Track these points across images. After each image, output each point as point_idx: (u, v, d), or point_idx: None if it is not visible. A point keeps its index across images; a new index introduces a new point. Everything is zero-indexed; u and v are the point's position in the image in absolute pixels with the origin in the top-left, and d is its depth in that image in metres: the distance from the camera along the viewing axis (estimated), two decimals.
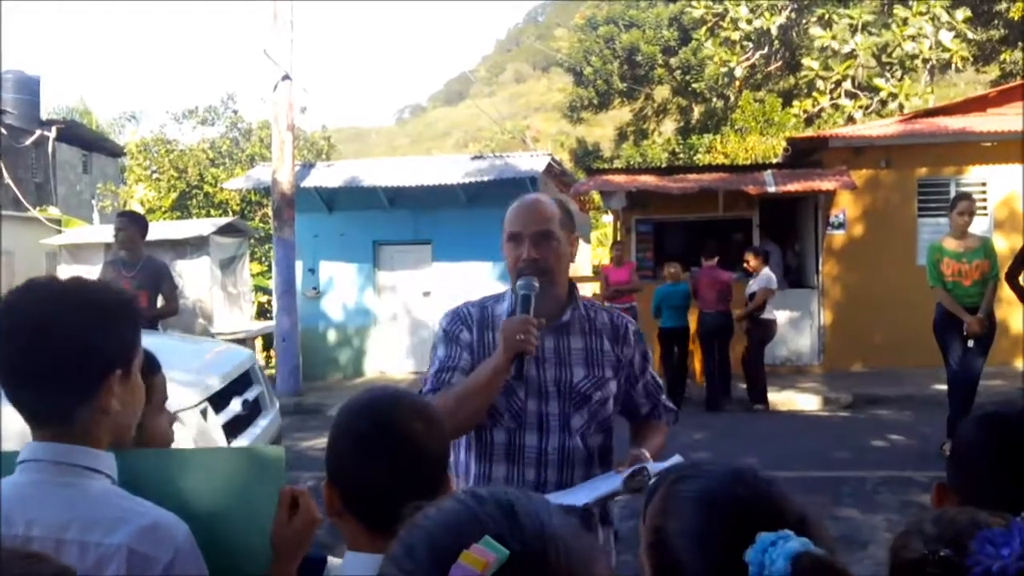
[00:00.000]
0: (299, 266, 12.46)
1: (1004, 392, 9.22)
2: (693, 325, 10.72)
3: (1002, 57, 21.20)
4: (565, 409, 2.26)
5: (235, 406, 5.08)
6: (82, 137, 23.53)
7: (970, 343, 6.78)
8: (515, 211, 2.29)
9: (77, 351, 1.34)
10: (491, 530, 0.78)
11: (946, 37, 18.17)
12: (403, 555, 0.82)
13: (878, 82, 19.08)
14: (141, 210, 19.37)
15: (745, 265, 10.08)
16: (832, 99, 19.52)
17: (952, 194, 11.88)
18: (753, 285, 9.80)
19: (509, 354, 2.11)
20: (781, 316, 11.13)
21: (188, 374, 4.66)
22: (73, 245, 12.67)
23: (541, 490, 2.21)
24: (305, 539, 1.49)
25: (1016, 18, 18.73)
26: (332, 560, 1.56)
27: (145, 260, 7.11)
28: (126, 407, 1.41)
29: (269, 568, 1.48)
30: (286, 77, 11.58)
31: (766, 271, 9.78)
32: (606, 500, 2.20)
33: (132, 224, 7.11)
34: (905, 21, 18.32)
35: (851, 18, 18.62)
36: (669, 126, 30.15)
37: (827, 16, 19.20)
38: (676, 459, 2.20)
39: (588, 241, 19.52)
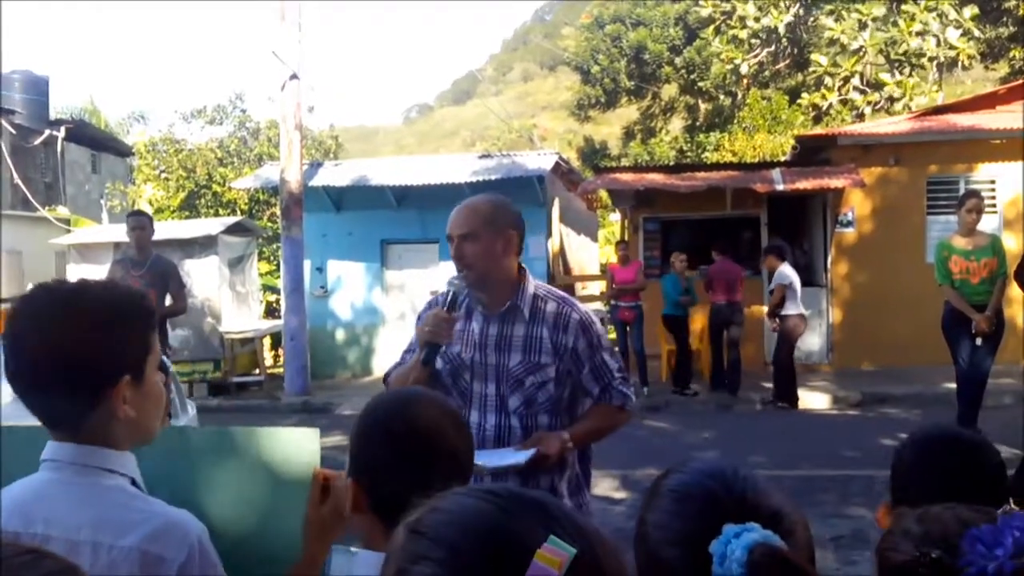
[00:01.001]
0: (307, 265, 12.48)
1: (1013, 390, 9.20)
2: (701, 321, 10.80)
3: (1011, 54, 21.10)
4: (502, 391, 2.50)
5: None
6: (91, 137, 23.59)
7: (978, 341, 6.73)
8: (450, 216, 2.57)
9: (83, 358, 1.32)
10: (526, 524, 0.78)
11: (953, 35, 18.08)
12: (431, 546, 0.80)
13: (885, 79, 19.01)
14: (150, 210, 19.44)
15: (763, 267, 10.21)
16: (841, 95, 19.44)
17: (962, 192, 11.85)
18: (772, 284, 9.91)
19: (420, 342, 2.45)
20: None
21: None
22: (82, 245, 12.70)
23: None
24: (335, 524, 1.49)
25: None
26: (336, 547, 1.56)
27: (154, 259, 7.18)
28: (141, 411, 1.38)
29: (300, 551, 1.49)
30: (294, 76, 11.60)
31: (782, 268, 9.80)
32: (505, 471, 2.39)
33: (146, 223, 7.29)
34: (912, 17, 18.23)
35: (860, 13, 18.54)
36: (677, 124, 30.13)
37: (836, 11, 19.14)
38: (532, 452, 2.40)
39: (595, 239, 19.48)
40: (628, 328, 10.53)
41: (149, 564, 1.28)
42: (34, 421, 1.38)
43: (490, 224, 2.50)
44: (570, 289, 12.08)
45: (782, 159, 16.22)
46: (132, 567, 1.27)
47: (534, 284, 2.59)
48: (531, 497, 0.84)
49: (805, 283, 12.41)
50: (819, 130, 16.90)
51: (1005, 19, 20.47)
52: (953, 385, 7.28)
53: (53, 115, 22.82)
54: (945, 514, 1.11)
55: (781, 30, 19.94)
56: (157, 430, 1.45)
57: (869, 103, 18.97)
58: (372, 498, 1.39)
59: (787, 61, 22.51)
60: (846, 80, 19.26)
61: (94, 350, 1.33)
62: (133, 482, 1.40)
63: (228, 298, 12.62)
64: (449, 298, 2.49)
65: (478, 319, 2.56)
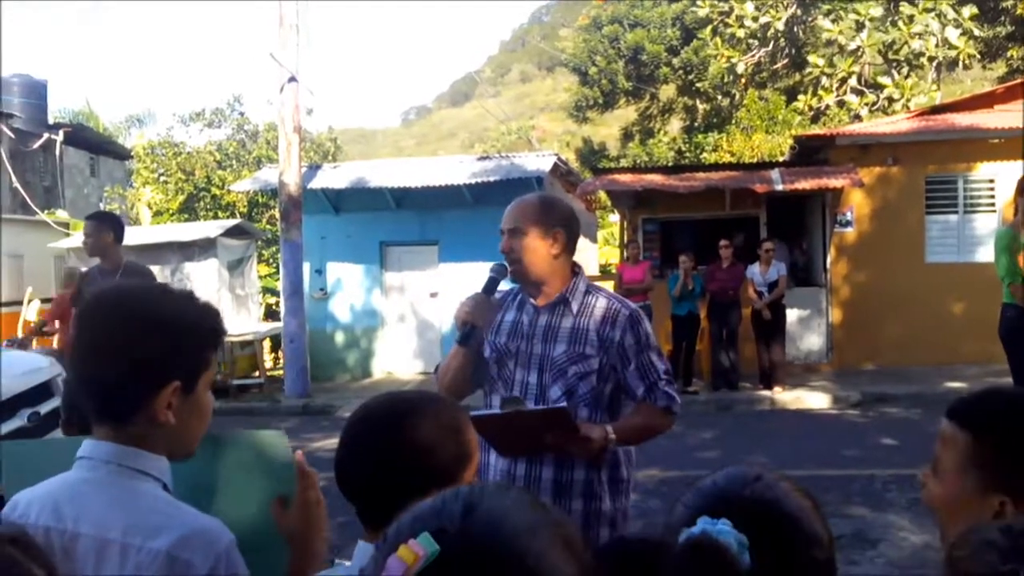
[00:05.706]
0: (306, 267, 12.47)
1: None
2: (704, 321, 10.84)
3: (1009, 53, 21.13)
4: (543, 380, 2.56)
5: (17, 421, 4.97)
6: (89, 140, 23.59)
7: None
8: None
9: (139, 354, 1.35)
10: (438, 523, 0.78)
11: (952, 34, 18.09)
12: (382, 541, 0.82)
13: (883, 80, 19.01)
14: (148, 213, 19.45)
15: (766, 253, 10.47)
16: (838, 96, 19.45)
17: (960, 191, 11.88)
18: (773, 273, 10.29)
19: (458, 323, 2.54)
20: (791, 315, 11.21)
21: None
22: (81, 248, 12.68)
23: None
24: (314, 521, 1.49)
25: (1022, 14, 18.67)
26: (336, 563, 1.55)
27: (125, 266, 6.35)
28: (184, 422, 1.40)
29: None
30: (292, 79, 11.60)
31: (776, 261, 10.38)
32: (485, 418, 2.37)
33: (100, 228, 6.18)
34: (911, 19, 18.25)
35: (858, 14, 18.54)
36: (675, 125, 30.12)
37: (834, 10, 19.15)
38: (561, 404, 2.47)
39: (594, 240, 19.47)
40: None
41: (176, 569, 1.28)
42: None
43: (537, 222, 2.56)
44: None
45: (780, 159, 16.22)
46: (159, 570, 1.28)
47: (586, 282, 2.66)
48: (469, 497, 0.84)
49: (805, 283, 12.49)
50: (817, 130, 16.91)
51: (1003, 18, 20.50)
52: (953, 384, 7.11)
53: (51, 119, 22.82)
54: None
55: (780, 28, 19.92)
56: (195, 445, 1.46)
57: (866, 104, 18.98)
58: (357, 509, 1.42)
59: (784, 61, 22.52)
60: (843, 81, 19.27)
61: (151, 349, 1.35)
62: (165, 487, 1.41)
63: (227, 301, 12.62)
64: (487, 283, 2.60)
65: (529, 311, 2.63)
